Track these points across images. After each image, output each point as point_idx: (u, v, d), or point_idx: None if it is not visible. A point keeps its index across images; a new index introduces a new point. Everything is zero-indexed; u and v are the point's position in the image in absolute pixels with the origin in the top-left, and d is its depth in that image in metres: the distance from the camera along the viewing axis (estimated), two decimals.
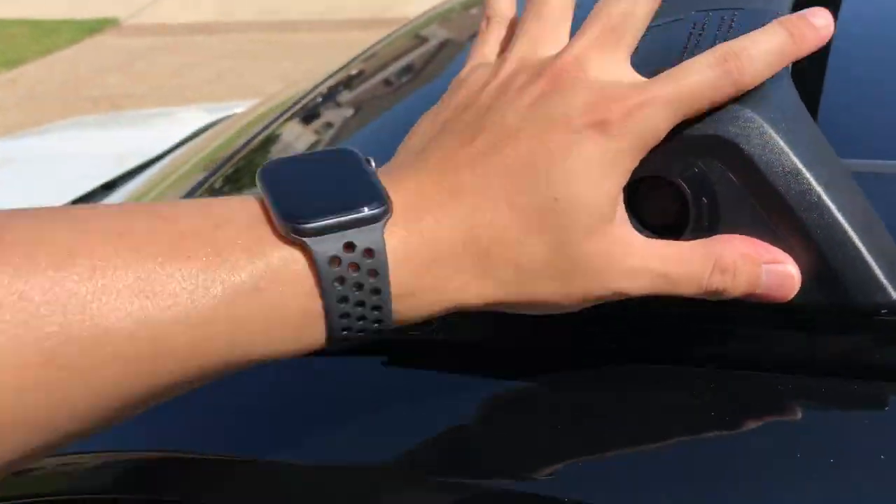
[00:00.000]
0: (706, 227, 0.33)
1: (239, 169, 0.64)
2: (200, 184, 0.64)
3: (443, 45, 0.82)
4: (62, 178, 1.26)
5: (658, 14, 0.34)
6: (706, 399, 0.35)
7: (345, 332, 0.30)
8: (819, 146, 0.33)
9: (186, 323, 0.27)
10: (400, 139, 0.35)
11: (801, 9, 0.34)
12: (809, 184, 0.31)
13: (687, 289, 0.32)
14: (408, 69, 0.76)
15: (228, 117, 1.36)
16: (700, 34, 0.35)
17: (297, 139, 0.68)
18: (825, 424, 0.34)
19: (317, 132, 0.68)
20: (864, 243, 0.32)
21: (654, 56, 0.35)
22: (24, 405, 0.26)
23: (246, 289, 0.28)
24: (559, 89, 0.32)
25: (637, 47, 0.33)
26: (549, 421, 0.36)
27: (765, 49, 0.32)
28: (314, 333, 0.30)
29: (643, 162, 0.32)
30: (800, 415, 0.35)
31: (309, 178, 0.31)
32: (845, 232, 0.32)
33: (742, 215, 0.32)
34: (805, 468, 0.32)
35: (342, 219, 0.29)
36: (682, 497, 0.32)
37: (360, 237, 0.29)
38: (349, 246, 0.29)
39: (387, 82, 0.74)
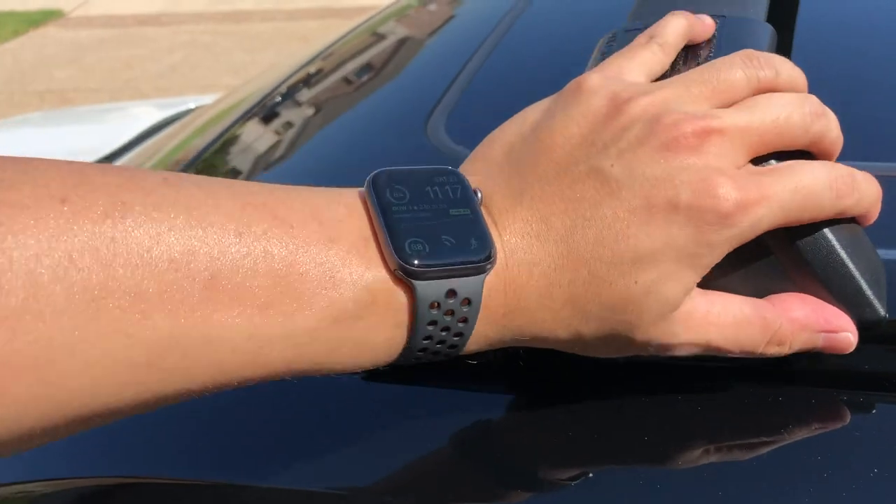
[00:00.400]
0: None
1: (203, 171, 0.62)
2: None
3: (407, 39, 0.81)
4: None
5: (636, 16, 0.33)
6: (701, 406, 0.35)
7: (413, 360, 0.30)
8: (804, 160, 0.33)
9: (289, 340, 0.27)
10: (370, 138, 0.34)
11: (775, 14, 0.33)
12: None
13: (730, 353, 0.32)
14: (374, 65, 0.74)
15: (185, 112, 1.32)
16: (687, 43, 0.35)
17: (263, 138, 0.66)
18: (820, 433, 0.34)
19: (282, 131, 0.66)
20: (853, 259, 0.32)
21: None
22: (117, 399, 0.26)
23: (348, 315, 0.28)
24: (677, 156, 0.29)
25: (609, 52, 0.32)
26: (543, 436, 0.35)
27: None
28: (387, 359, 0.30)
29: None
30: (795, 423, 0.34)
31: (421, 209, 0.30)
32: (833, 248, 0.32)
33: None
34: (795, 474, 0.32)
35: (450, 267, 0.29)
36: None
37: (463, 286, 0.29)
38: (451, 293, 0.29)
39: (356, 78, 0.72)
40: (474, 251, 0.29)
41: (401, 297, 0.29)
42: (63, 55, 4.14)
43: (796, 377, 0.36)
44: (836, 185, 0.31)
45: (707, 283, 0.31)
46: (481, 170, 0.32)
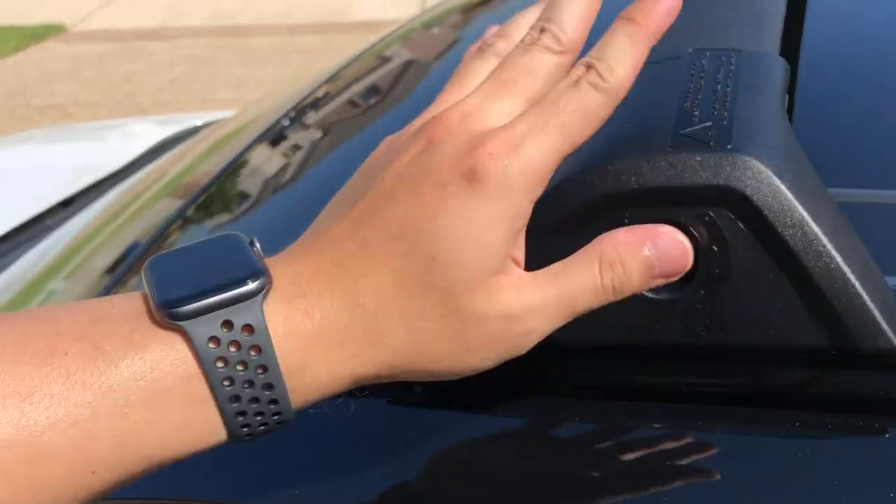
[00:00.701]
0: (717, 274, 0.33)
1: (214, 196, 0.63)
2: (181, 210, 0.62)
3: (421, 60, 0.81)
4: (15, 196, 1.22)
5: (652, 49, 0.34)
6: (703, 434, 0.35)
7: (245, 429, 0.29)
8: (821, 195, 0.34)
9: (66, 422, 0.27)
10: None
11: (788, 35, 0.34)
12: (816, 235, 0.32)
13: (588, 299, 0.32)
14: (386, 87, 0.75)
15: (190, 130, 1.33)
16: (701, 77, 0.35)
17: (271, 163, 0.66)
18: (832, 457, 0.34)
19: (293, 154, 0.66)
20: (866, 289, 0.33)
21: (653, 97, 0.35)
22: None
23: (123, 379, 0.27)
24: (435, 143, 0.31)
25: (633, 87, 0.33)
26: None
27: (621, 53, 0.31)
28: (206, 422, 0.29)
29: (652, 207, 0.32)
30: (804, 448, 0.35)
31: (188, 264, 0.31)
32: (848, 279, 0.33)
33: (749, 261, 0.33)
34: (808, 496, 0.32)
35: (218, 298, 0.28)
36: None
37: (238, 314, 0.28)
38: (227, 324, 0.28)
39: (369, 100, 0.73)
40: (239, 280, 0.29)
41: (178, 345, 0.28)
42: (64, 70, 4.15)
43: (817, 403, 0.36)
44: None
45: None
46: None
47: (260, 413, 0.29)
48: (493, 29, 0.37)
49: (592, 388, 0.38)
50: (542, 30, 0.32)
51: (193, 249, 0.32)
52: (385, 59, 0.83)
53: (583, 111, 0.31)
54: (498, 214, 0.30)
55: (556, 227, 0.34)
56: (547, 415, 0.37)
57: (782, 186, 0.32)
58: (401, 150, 0.32)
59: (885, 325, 0.33)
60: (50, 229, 1.09)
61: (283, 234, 0.34)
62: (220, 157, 0.70)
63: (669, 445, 0.35)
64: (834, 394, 0.36)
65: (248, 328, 0.28)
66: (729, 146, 0.32)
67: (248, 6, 4.73)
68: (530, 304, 0.31)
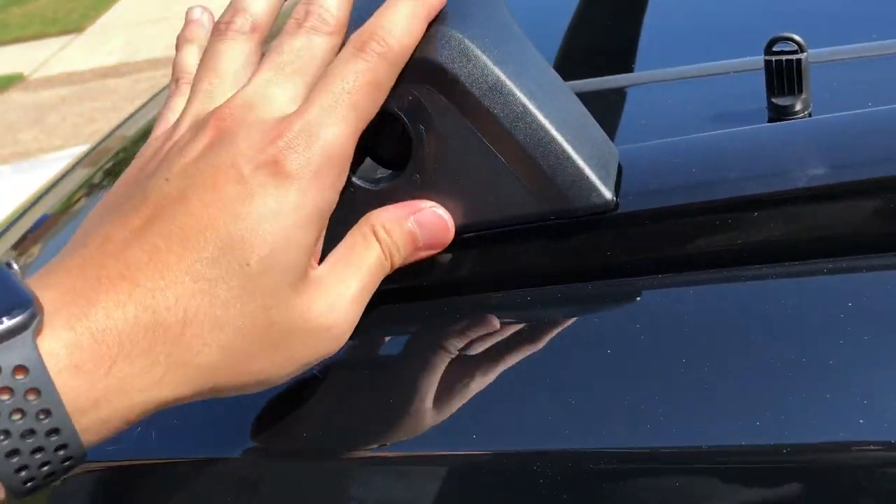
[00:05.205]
0: (433, 154, 0.33)
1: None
2: None
3: None
4: None
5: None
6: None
7: (23, 474, 0.25)
8: (527, 60, 0.34)
9: None
10: None
11: None
12: (513, 94, 0.32)
13: (378, 276, 0.32)
14: None
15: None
16: None
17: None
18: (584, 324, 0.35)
19: None
20: (575, 147, 0.32)
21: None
22: None
23: None
24: (225, 136, 0.29)
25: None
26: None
27: (398, 21, 0.31)
28: None
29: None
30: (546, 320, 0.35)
31: None
32: (553, 137, 0.32)
33: (462, 138, 0.33)
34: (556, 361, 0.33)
35: None
36: None
37: (4, 355, 0.24)
38: None
39: None
40: (1, 313, 0.24)
41: None
42: (26, 118, 4.15)
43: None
44: (359, 52, 0.30)
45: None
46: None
47: (46, 463, 0.25)
48: (196, 10, 0.36)
49: None
50: (308, 12, 0.31)
51: None
52: None
53: (371, 84, 0.30)
54: (308, 209, 0.28)
55: None
56: None
57: (478, 51, 0.32)
58: (181, 148, 0.29)
59: (596, 181, 0.33)
60: None
61: None
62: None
63: (421, 341, 0.36)
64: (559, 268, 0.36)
65: (21, 369, 0.24)
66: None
67: None
68: (339, 299, 0.30)
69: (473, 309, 0.36)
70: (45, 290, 0.26)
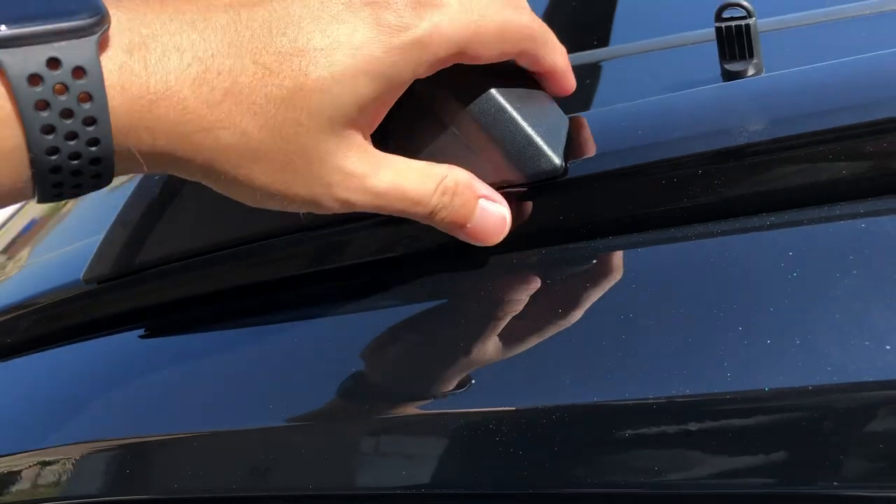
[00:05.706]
0: (392, 123, 0.33)
1: None
2: None
3: None
4: None
5: None
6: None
7: (55, 188, 0.26)
8: None
9: None
10: None
11: None
12: (465, 66, 0.32)
13: (407, 206, 0.32)
14: None
15: None
16: None
17: None
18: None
19: None
20: (524, 116, 0.33)
21: None
22: None
23: None
24: None
25: None
26: None
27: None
28: (14, 173, 0.25)
29: None
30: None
31: None
32: (503, 107, 0.33)
33: (412, 108, 0.33)
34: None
35: (43, 27, 0.24)
36: None
37: (68, 52, 0.24)
38: (54, 62, 0.24)
39: None
40: (72, 11, 0.25)
41: None
42: None
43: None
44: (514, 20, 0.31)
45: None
46: None
47: (77, 172, 0.26)
48: None
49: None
50: None
51: None
52: None
53: (491, 33, 0.31)
54: (383, 65, 0.29)
55: None
56: None
57: None
58: None
59: (545, 148, 0.33)
60: None
61: None
62: None
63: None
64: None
65: (79, 71, 0.24)
66: None
67: None
68: (365, 176, 0.30)
69: (432, 277, 0.37)
70: (118, 9, 0.27)
